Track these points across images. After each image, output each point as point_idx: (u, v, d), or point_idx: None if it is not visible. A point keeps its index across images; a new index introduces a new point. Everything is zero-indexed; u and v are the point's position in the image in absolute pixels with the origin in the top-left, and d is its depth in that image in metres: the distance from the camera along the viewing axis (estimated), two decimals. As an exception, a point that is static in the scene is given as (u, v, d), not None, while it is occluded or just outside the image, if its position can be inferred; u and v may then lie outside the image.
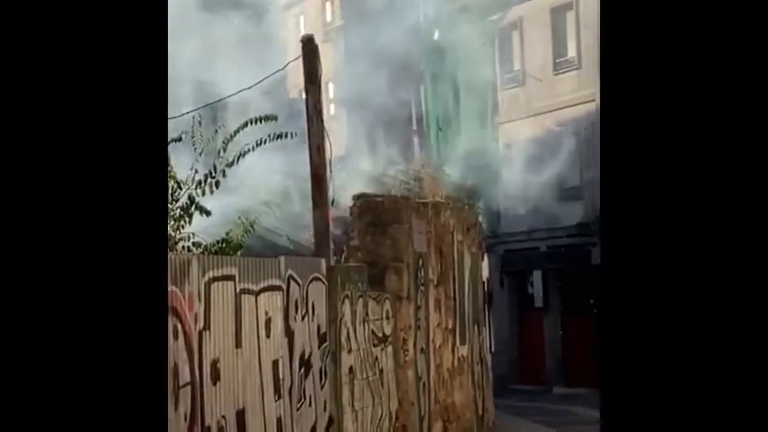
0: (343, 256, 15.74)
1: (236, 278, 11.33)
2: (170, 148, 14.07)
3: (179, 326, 10.21)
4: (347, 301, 14.08)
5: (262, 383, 11.70)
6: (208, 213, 14.24)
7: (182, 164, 14.30)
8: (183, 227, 14.13)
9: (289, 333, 12.36)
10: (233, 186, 15.03)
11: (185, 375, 10.27)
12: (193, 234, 14.09)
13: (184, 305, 10.32)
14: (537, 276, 32.02)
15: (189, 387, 10.31)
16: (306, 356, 12.80)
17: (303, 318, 12.78)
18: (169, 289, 10.03)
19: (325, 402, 13.28)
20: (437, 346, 17.51)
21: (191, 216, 14.16)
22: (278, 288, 12.17)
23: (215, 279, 10.92)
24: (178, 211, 14.11)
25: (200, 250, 13.65)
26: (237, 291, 11.32)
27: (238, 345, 11.26)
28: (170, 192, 14.03)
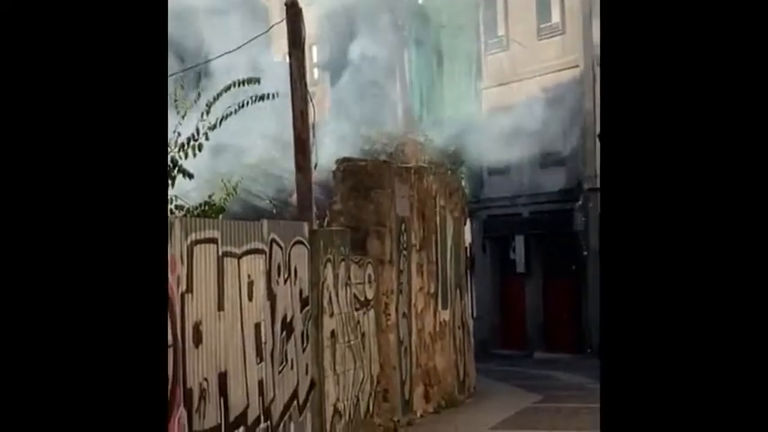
0: (325, 221, 15.75)
1: (219, 241, 11.34)
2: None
3: (161, 288, 10.23)
4: (329, 265, 14.11)
5: (244, 346, 11.73)
6: (190, 176, 14.23)
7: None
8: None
9: (271, 296, 12.39)
10: (216, 149, 15.01)
11: (168, 337, 10.29)
12: (176, 197, 14.08)
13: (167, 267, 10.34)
14: (519, 242, 32.10)
15: (171, 349, 10.33)
16: (288, 320, 12.83)
17: (285, 281, 12.80)
18: (151, 251, 10.08)
19: (306, 366, 13.33)
20: (419, 310, 17.56)
21: (173, 179, 14.15)
22: (260, 251, 12.19)
23: (197, 242, 10.93)
24: None
25: (183, 213, 13.64)
26: (220, 254, 11.33)
27: (220, 308, 11.28)
28: (152, 154, 14.04)
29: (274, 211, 19.22)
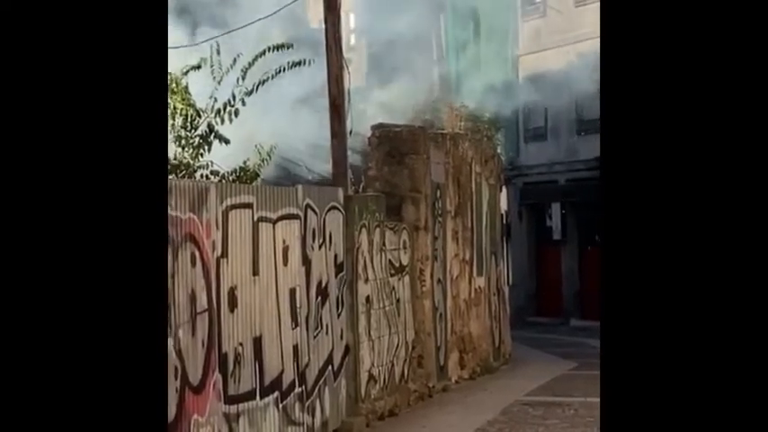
0: (360, 186, 15.74)
1: (254, 206, 11.36)
2: (189, 76, 14.09)
3: (197, 253, 10.27)
4: (364, 231, 14.11)
5: (279, 311, 11.77)
6: (227, 142, 14.27)
7: (201, 92, 14.31)
8: (201, 155, 14.18)
9: (306, 262, 12.41)
10: (251, 115, 15.02)
11: (203, 302, 10.34)
12: (211, 162, 14.13)
13: (202, 232, 10.37)
14: (555, 209, 31.98)
15: (206, 314, 10.39)
16: (323, 285, 12.86)
17: (320, 247, 12.82)
18: (186, 216, 10.10)
19: (341, 331, 13.36)
20: (454, 276, 17.56)
21: (209, 144, 14.20)
22: (295, 216, 12.20)
23: (233, 207, 10.95)
24: (197, 139, 14.15)
25: (218, 178, 13.69)
26: (255, 219, 11.36)
27: (255, 273, 11.32)
28: (189, 120, 14.06)
29: (311, 177, 19.22)
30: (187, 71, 14.15)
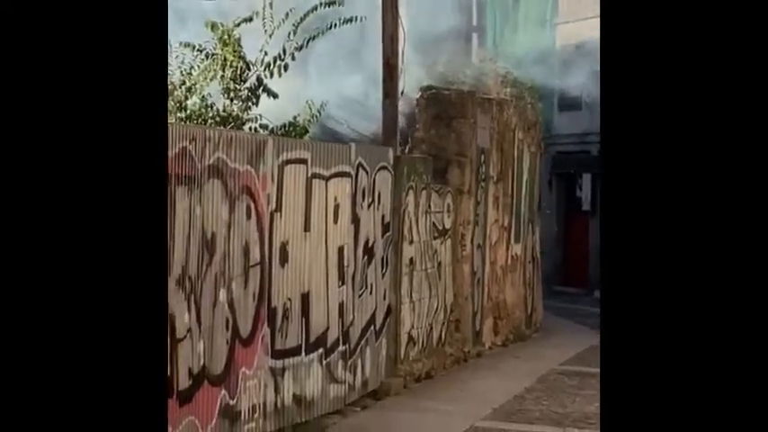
0: (406, 148, 15.68)
1: (309, 162, 11.33)
2: (241, 28, 14.02)
3: (252, 205, 10.26)
4: (411, 192, 14.07)
5: (327, 269, 11.75)
6: (275, 96, 14.22)
7: (252, 45, 14.25)
8: (249, 108, 14.14)
9: (355, 220, 12.38)
10: (299, 71, 14.96)
11: (256, 255, 10.33)
12: (260, 116, 14.08)
13: (258, 185, 10.35)
14: (586, 180, 31.85)
15: (258, 267, 10.38)
16: (369, 245, 12.83)
17: (369, 206, 12.78)
18: (244, 168, 10.07)
19: (385, 291, 13.33)
20: (493, 242, 17.51)
21: (258, 98, 14.15)
22: (347, 175, 12.16)
23: (288, 162, 10.92)
24: (246, 92, 14.10)
25: (267, 133, 13.64)
26: (309, 175, 11.32)
27: (307, 229, 11.30)
28: (238, 72, 14.01)
29: (351, 135, 19.14)
30: (239, 23, 14.08)
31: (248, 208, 10.19)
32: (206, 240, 9.45)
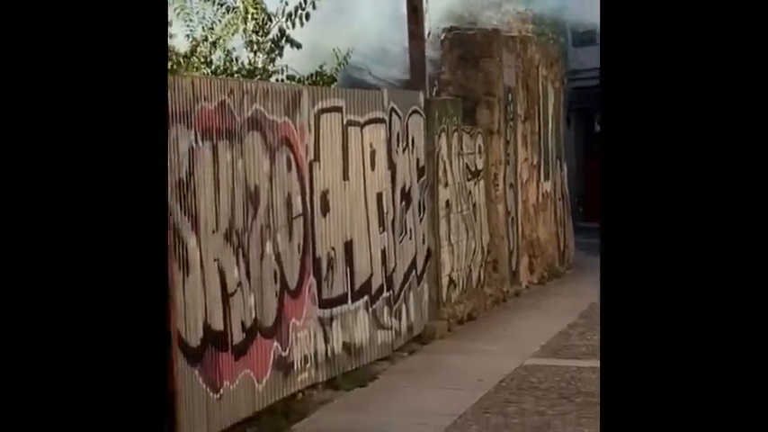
0: (433, 91, 15.58)
1: (344, 110, 11.26)
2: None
3: (291, 157, 10.21)
4: (444, 135, 13.99)
5: (367, 216, 11.72)
6: (298, 46, 14.13)
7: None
8: (274, 60, 14.06)
9: (391, 166, 12.32)
10: (321, 19, 14.85)
11: (298, 206, 10.29)
12: (286, 67, 14.00)
13: (296, 136, 10.30)
14: (605, 115, 31.67)
15: (301, 218, 10.35)
16: (406, 190, 12.78)
17: (404, 151, 12.72)
18: (282, 119, 10.01)
19: (423, 236, 13.30)
20: (524, 181, 17.44)
21: (281, 49, 14.06)
22: (381, 120, 12.09)
23: (324, 110, 10.86)
24: (269, 44, 14.01)
25: (294, 84, 13.57)
26: (344, 123, 11.26)
27: (345, 177, 11.25)
28: (260, 24, 13.91)
29: (373, 82, 19.05)
30: None
31: (288, 159, 10.14)
32: (249, 193, 9.42)
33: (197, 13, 13.91)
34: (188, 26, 13.77)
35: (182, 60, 13.55)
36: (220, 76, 12.86)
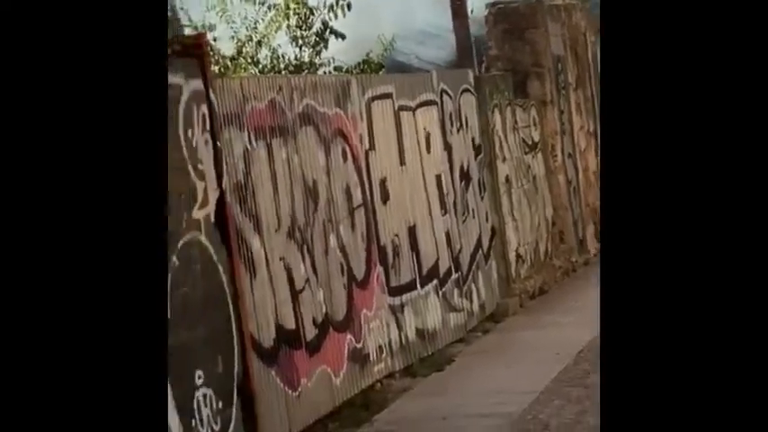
0: (482, 67, 15.47)
1: (394, 95, 11.19)
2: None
3: (346, 148, 10.17)
4: (497, 111, 13.88)
5: (428, 199, 11.66)
6: (342, 37, 14.08)
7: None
8: (320, 53, 14.01)
9: (447, 147, 12.24)
10: (363, 6, 14.79)
11: (357, 196, 10.24)
12: (333, 59, 13.96)
13: (349, 126, 10.25)
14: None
15: (362, 208, 10.30)
16: (465, 169, 12.70)
17: (458, 131, 12.63)
18: (333, 111, 9.96)
19: (486, 213, 13.21)
20: (582, 149, 17.28)
21: (326, 41, 14.01)
22: (433, 102, 12.01)
23: (374, 98, 10.80)
24: (313, 37, 13.97)
25: (342, 74, 13.52)
26: (396, 108, 11.19)
27: (402, 162, 11.19)
28: (303, 19, 13.88)
29: (418, 64, 18.98)
30: None
31: (343, 150, 10.09)
32: (308, 188, 9.37)
33: (239, 14, 13.91)
34: (231, 28, 13.76)
35: (228, 63, 13.55)
36: (268, 75, 12.82)
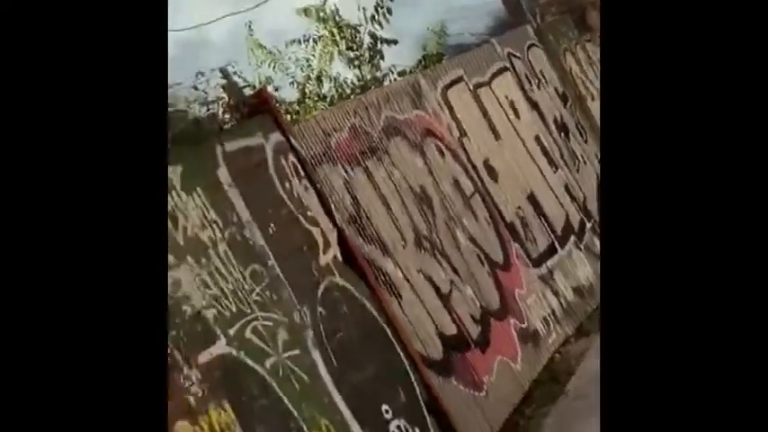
0: (537, 19, 15.23)
1: (465, 77, 11.04)
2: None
3: (439, 143, 10.04)
4: (567, 54, 13.63)
5: (535, 162, 11.47)
6: (395, 42, 13.96)
7: (346, 11, 14.03)
8: (378, 65, 13.92)
9: (534, 106, 12.04)
10: (402, 5, 14.66)
11: (467, 185, 10.10)
12: (393, 66, 13.85)
13: (434, 122, 10.13)
14: None
15: (476, 195, 10.16)
16: (559, 121, 12.48)
17: (538, 86, 12.42)
18: (414, 114, 9.86)
19: (595, 154, 12.96)
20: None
21: (380, 52, 13.91)
22: (505, 69, 11.83)
23: (447, 86, 10.66)
24: (367, 53, 13.87)
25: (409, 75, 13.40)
26: (471, 87, 11.04)
27: (497, 137, 11.03)
28: (351, 39, 13.79)
29: (474, 39, 18.79)
30: None
31: (437, 147, 9.97)
32: (418, 195, 9.27)
33: (289, 58, 13.88)
34: (287, 74, 13.74)
35: (297, 107, 13.52)
36: (338, 104, 12.78)
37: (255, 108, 7.74)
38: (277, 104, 9.66)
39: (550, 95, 12.60)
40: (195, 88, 8.60)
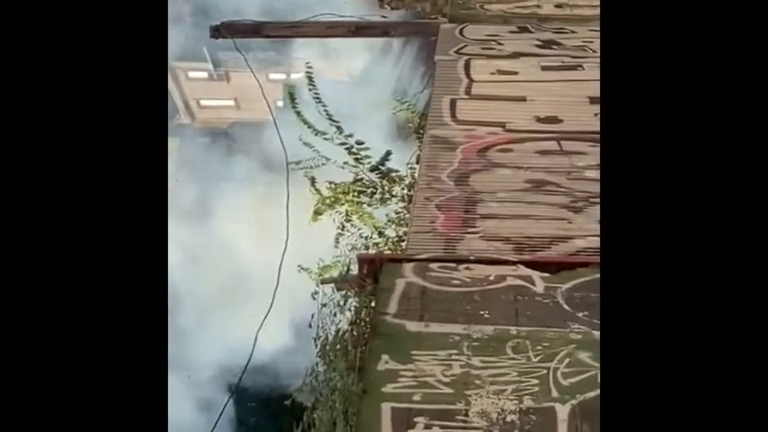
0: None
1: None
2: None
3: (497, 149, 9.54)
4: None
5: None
6: (396, 174, 13.27)
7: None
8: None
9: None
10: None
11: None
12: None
13: (484, 133, 9.70)
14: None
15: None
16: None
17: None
18: (464, 137, 9.62)
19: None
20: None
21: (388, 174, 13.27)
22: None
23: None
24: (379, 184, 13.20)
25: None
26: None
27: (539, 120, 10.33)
28: (378, 192, 13.24)
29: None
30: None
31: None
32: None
33: (361, 232, 13.27)
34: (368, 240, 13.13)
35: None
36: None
37: (370, 270, 7.78)
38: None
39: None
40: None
